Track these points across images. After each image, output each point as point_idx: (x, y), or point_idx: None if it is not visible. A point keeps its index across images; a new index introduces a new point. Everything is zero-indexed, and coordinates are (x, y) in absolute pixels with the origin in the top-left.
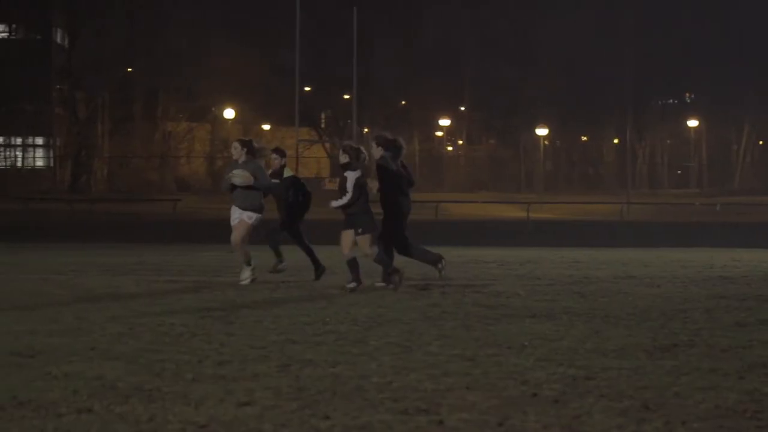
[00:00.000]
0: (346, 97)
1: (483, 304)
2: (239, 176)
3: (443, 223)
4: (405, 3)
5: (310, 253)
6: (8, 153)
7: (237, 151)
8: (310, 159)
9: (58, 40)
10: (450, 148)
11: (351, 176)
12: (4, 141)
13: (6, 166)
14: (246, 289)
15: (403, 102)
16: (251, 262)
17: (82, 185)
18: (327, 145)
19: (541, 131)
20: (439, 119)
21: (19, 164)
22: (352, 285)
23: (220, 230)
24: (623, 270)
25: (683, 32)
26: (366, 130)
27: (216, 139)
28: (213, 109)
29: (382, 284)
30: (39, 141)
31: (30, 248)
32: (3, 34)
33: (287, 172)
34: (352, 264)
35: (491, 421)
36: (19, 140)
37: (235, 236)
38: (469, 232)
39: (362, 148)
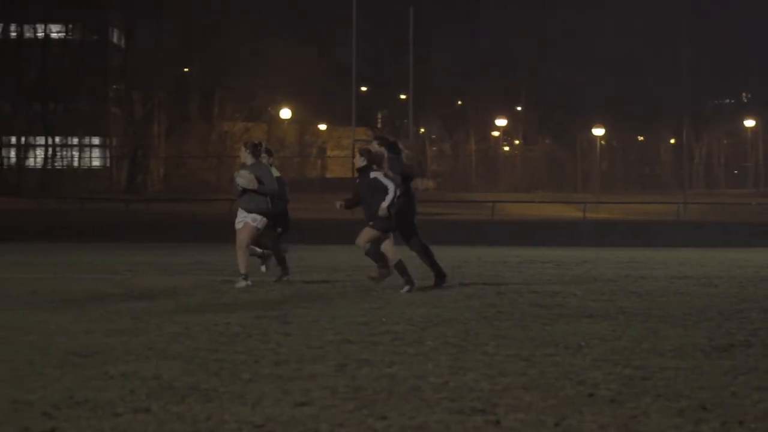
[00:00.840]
0: (403, 97)
1: (539, 304)
2: (244, 177)
3: (499, 223)
4: (462, 2)
5: (278, 256)
6: (65, 153)
7: (243, 155)
8: None
9: (115, 40)
10: (506, 148)
11: (379, 174)
12: (61, 141)
13: (63, 166)
14: (302, 289)
15: (460, 102)
16: (248, 274)
17: (138, 185)
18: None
19: (598, 131)
20: (495, 119)
21: (75, 164)
22: (407, 288)
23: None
24: (680, 270)
25: (740, 31)
26: (422, 130)
27: (272, 139)
28: (269, 108)
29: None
30: (95, 141)
31: (86, 248)
32: (60, 35)
33: (274, 173)
34: (400, 267)
35: (548, 421)
36: (75, 140)
37: (240, 239)
38: (526, 232)
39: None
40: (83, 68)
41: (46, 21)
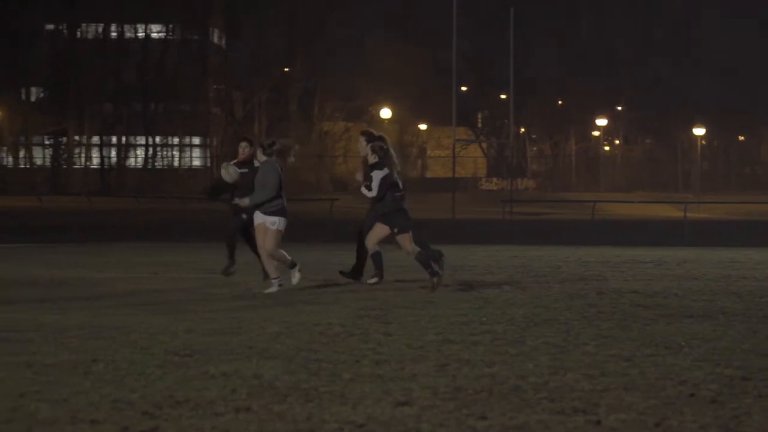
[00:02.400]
0: (503, 96)
1: (640, 304)
2: (227, 171)
3: (600, 223)
4: (564, 2)
5: (232, 248)
6: (165, 153)
7: (244, 151)
8: (467, 159)
9: (215, 39)
10: (607, 148)
11: (377, 175)
12: (161, 141)
13: (163, 165)
14: (404, 289)
15: (560, 101)
16: (279, 278)
17: None
18: (484, 144)
19: (698, 131)
20: (596, 119)
21: (175, 164)
22: (374, 280)
23: None
24: None
25: None
26: (522, 129)
27: None
28: (369, 108)
29: (374, 280)
30: (196, 141)
31: (187, 248)
32: (160, 35)
33: (257, 163)
34: (376, 258)
35: (648, 421)
36: (175, 140)
37: (267, 248)
38: (626, 232)
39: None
40: (184, 68)
41: (147, 21)
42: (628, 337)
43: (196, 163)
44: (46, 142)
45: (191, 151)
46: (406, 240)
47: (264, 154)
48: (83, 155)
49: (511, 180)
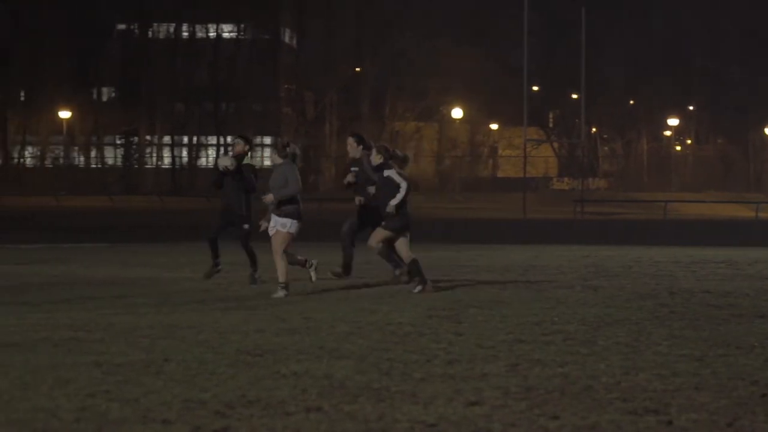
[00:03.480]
0: (574, 96)
1: (711, 304)
2: (224, 161)
3: (671, 223)
4: (634, 2)
5: (215, 250)
6: None
7: (272, 155)
8: (539, 158)
9: (287, 39)
10: (678, 148)
11: (392, 173)
12: (233, 140)
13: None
14: (474, 288)
15: (632, 101)
16: (287, 283)
17: (310, 184)
18: (555, 144)
19: None
20: (667, 118)
21: None
22: (419, 288)
23: (448, 229)
24: None
25: None
26: (594, 129)
27: (444, 139)
28: (441, 108)
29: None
30: (267, 141)
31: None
32: (232, 34)
33: (246, 160)
34: (413, 265)
35: (720, 421)
36: None
37: (274, 248)
38: (697, 231)
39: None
40: (255, 68)
41: (218, 21)
42: (699, 337)
43: (267, 163)
44: (118, 142)
45: (262, 151)
46: (380, 234)
47: (279, 156)
48: (154, 155)
49: (582, 180)
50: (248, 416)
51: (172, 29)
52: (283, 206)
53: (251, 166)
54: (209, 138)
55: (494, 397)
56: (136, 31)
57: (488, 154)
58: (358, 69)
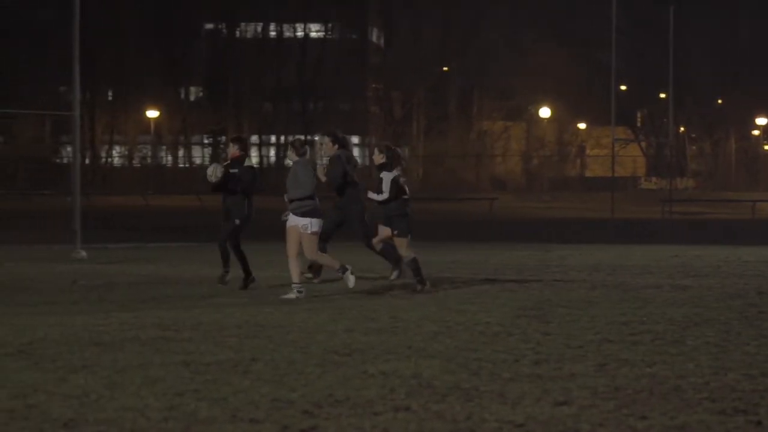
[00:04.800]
0: (662, 96)
1: None
2: (213, 172)
3: (760, 222)
4: (723, 1)
5: (223, 252)
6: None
7: (289, 154)
8: (626, 158)
9: (374, 39)
10: (767, 147)
11: (387, 177)
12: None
13: (322, 164)
14: (563, 289)
15: (720, 100)
16: (301, 284)
17: None
18: (643, 144)
19: None
20: (756, 117)
21: None
22: (420, 287)
23: (536, 229)
24: None
25: None
26: (682, 128)
27: (531, 138)
28: (528, 107)
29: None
30: (354, 140)
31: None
32: (319, 34)
33: (247, 162)
34: (413, 265)
35: None
36: None
37: (306, 252)
38: None
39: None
40: (342, 67)
41: (306, 20)
42: None
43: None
44: (205, 142)
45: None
46: (402, 243)
47: (297, 154)
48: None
49: (670, 179)
50: (336, 416)
51: (259, 29)
52: (298, 204)
53: (249, 168)
54: (296, 137)
55: (582, 397)
56: (224, 30)
57: (576, 153)
58: (445, 68)
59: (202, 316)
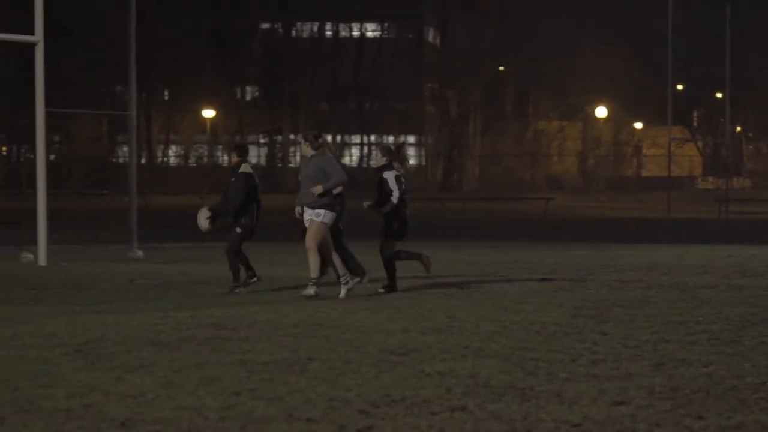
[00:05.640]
0: (719, 95)
1: None
2: (200, 220)
3: None
4: None
5: (245, 261)
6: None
7: (304, 147)
8: (683, 157)
9: (430, 38)
10: None
11: (390, 175)
12: (376, 139)
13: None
14: (619, 288)
15: None
16: (318, 280)
17: (453, 184)
18: (699, 143)
19: None
20: None
21: None
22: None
23: (592, 229)
24: None
25: None
26: (738, 128)
27: (587, 138)
28: (585, 107)
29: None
30: (411, 139)
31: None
32: (375, 33)
33: (244, 168)
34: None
35: None
36: (391, 138)
37: (308, 239)
38: None
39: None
40: (398, 67)
41: (362, 20)
42: None
43: (411, 161)
44: (261, 141)
45: (406, 150)
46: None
47: (312, 148)
48: (298, 154)
49: (727, 179)
50: (392, 415)
51: (315, 28)
52: (316, 199)
53: (243, 174)
54: (353, 137)
55: (639, 397)
56: (280, 30)
57: (632, 153)
58: (501, 68)
59: (258, 315)
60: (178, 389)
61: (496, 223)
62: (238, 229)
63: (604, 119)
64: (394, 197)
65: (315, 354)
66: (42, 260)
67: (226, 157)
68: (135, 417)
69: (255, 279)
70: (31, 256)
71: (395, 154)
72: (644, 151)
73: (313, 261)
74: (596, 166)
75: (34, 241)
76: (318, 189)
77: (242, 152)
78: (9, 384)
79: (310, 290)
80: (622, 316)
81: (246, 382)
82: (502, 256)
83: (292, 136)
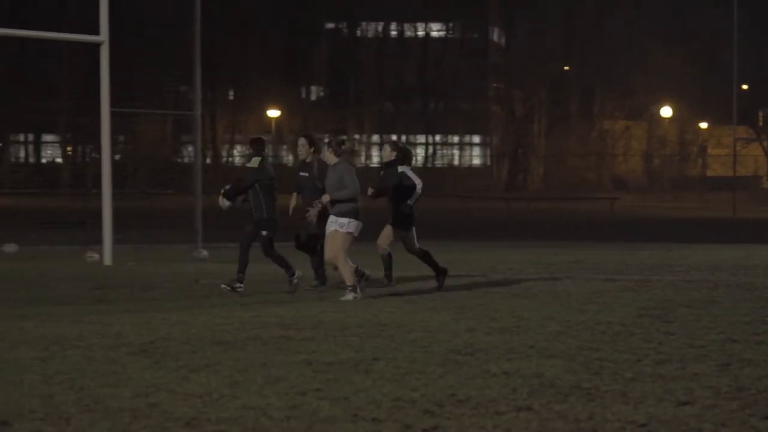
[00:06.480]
0: None
1: None
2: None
3: None
4: None
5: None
6: (445, 151)
7: (327, 154)
8: (748, 157)
9: (495, 38)
10: None
11: (407, 169)
12: (441, 139)
13: (443, 164)
14: (684, 288)
15: None
16: (356, 285)
17: (518, 184)
18: (765, 143)
19: None
20: None
21: (455, 162)
22: (387, 282)
23: (658, 229)
24: None
25: None
26: None
27: (652, 138)
28: (650, 107)
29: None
30: (476, 139)
31: (467, 246)
32: (440, 33)
33: (253, 162)
34: (387, 260)
35: None
36: (455, 138)
37: (328, 250)
38: None
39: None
40: (463, 67)
41: (427, 20)
42: None
43: (476, 161)
44: (326, 141)
45: (471, 150)
46: (389, 236)
47: (335, 155)
48: (363, 153)
49: None
50: (458, 415)
51: (380, 28)
52: (339, 205)
53: (252, 169)
54: (418, 137)
55: (705, 397)
56: (345, 30)
57: (697, 153)
58: (566, 67)
59: (323, 315)
60: (243, 389)
61: (560, 223)
62: (264, 232)
63: (669, 119)
64: (419, 188)
65: (380, 354)
66: (107, 260)
67: (291, 157)
68: (200, 416)
69: (296, 278)
70: (96, 256)
71: (406, 155)
72: (709, 150)
73: (345, 269)
74: (661, 166)
75: (99, 241)
76: (326, 198)
77: (258, 146)
78: (75, 383)
79: (349, 296)
80: (687, 316)
81: (311, 381)
82: (567, 256)
83: (356, 136)
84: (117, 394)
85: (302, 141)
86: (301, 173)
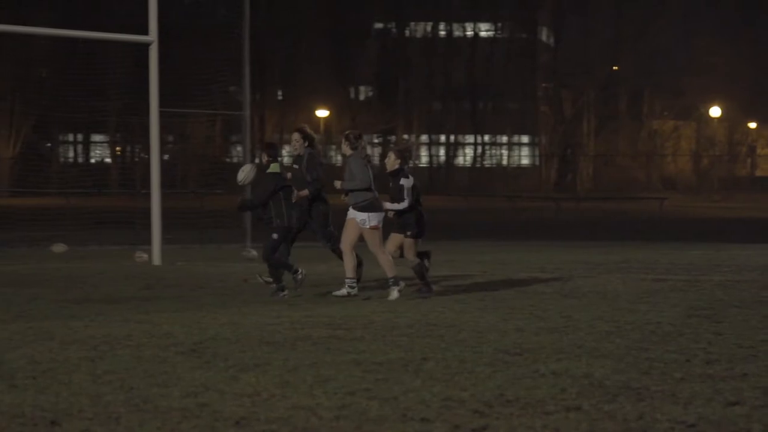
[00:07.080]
0: None
1: None
2: (243, 173)
3: None
4: None
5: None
6: (494, 151)
7: (343, 146)
8: None
9: (544, 38)
10: None
11: (407, 183)
12: (490, 139)
13: (492, 164)
14: (734, 288)
15: None
16: (354, 284)
17: (567, 183)
18: None
19: None
20: None
21: (504, 163)
22: (426, 291)
23: (707, 229)
24: None
25: None
26: None
27: (702, 138)
28: (699, 107)
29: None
30: (524, 139)
31: (517, 246)
32: (489, 33)
33: (273, 168)
34: (418, 269)
35: None
36: (504, 138)
37: (373, 249)
38: None
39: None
40: (512, 67)
41: (476, 20)
42: None
43: (525, 161)
44: (375, 141)
45: (520, 150)
46: (410, 246)
47: (351, 148)
48: (412, 153)
49: None
50: (507, 415)
51: (429, 28)
52: (354, 197)
53: (274, 175)
54: (466, 137)
55: (754, 398)
56: (394, 30)
57: (746, 153)
58: (615, 67)
59: (373, 315)
60: (292, 389)
61: (610, 223)
62: (275, 236)
63: (718, 119)
64: (401, 206)
65: (429, 354)
66: (156, 260)
67: (339, 158)
68: (250, 416)
69: (300, 276)
70: (145, 256)
71: (407, 155)
72: (758, 150)
73: (385, 262)
74: (710, 166)
75: (148, 241)
76: (336, 184)
77: (272, 152)
78: (125, 383)
79: (394, 293)
80: (737, 316)
81: (361, 381)
82: (616, 256)
83: (405, 137)
84: (166, 394)
85: (296, 135)
86: (294, 165)
